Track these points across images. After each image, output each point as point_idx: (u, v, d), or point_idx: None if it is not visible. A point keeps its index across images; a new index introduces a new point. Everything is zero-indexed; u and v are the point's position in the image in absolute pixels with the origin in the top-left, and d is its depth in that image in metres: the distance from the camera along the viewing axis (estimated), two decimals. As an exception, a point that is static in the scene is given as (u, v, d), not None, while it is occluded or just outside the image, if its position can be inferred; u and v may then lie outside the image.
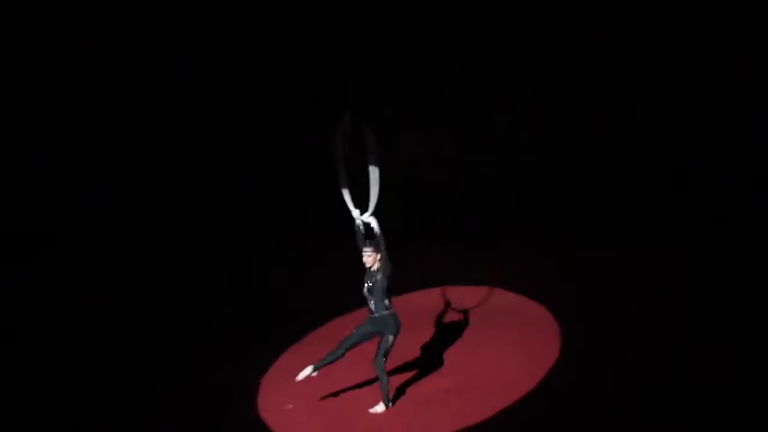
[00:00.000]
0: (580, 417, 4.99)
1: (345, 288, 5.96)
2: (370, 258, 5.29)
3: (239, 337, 7.05)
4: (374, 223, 5.26)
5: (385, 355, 5.27)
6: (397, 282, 5.50)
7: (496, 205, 9.37)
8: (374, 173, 5.34)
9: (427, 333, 6.62)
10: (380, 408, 5.33)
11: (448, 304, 7.23)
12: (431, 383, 5.74)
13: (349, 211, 5.39)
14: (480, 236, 8.90)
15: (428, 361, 6.09)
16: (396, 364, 5.81)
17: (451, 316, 7.02)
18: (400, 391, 5.61)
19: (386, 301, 5.29)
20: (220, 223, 9.58)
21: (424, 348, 6.33)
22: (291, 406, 5.61)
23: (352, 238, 5.39)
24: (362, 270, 5.36)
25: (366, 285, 5.30)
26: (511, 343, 6.25)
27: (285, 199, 9.73)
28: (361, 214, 5.31)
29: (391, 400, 5.40)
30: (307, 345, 6.77)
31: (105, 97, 9.30)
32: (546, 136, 9.45)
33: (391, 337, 5.27)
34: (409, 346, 6.14)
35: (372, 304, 5.30)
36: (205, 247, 9.22)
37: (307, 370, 5.26)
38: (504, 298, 7.30)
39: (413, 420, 5.23)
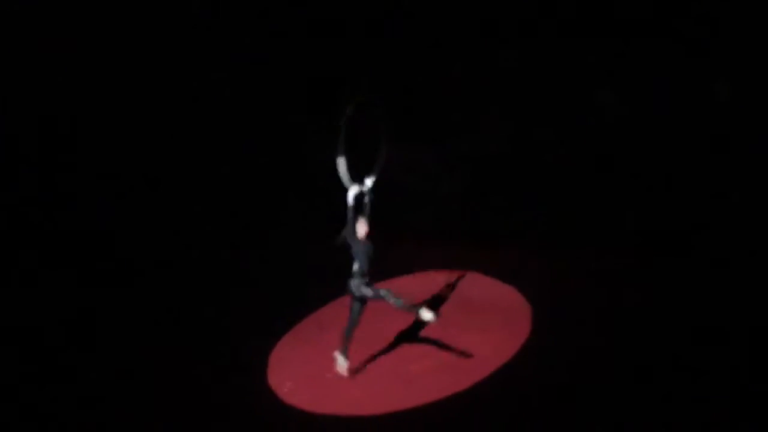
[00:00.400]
0: (542, 394, 5.68)
1: (335, 275, 6.31)
2: (366, 228, 5.87)
3: (247, 320, 7.49)
4: (366, 190, 5.89)
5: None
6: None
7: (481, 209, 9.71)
8: (384, 143, 6.03)
9: (408, 317, 7.03)
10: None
11: (427, 289, 7.68)
12: (413, 364, 6.34)
13: (343, 184, 5.87)
14: (464, 236, 9.28)
15: (409, 343, 6.65)
16: (380, 346, 6.51)
17: (430, 300, 7.42)
18: (385, 371, 6.25)
19: (359, 267, 5.87)
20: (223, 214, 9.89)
21: (406, 331, 6.82)
22: (289, 384, 6.19)
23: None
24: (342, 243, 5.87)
25: (366, 253, 5.83)
26: (485, 326, 6.85)
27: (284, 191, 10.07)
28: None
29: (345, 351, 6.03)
30: (306, 327, 7.35)
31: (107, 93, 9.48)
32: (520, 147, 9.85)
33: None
34: (390, 330, 6.74)
35: (366, 269, 5.86)
36: (210, 239, 9.49)
37: (341, 362, 6.00)
38: (479, 283, 7.88)
39: (396, 394, 5.92)
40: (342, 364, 6.07)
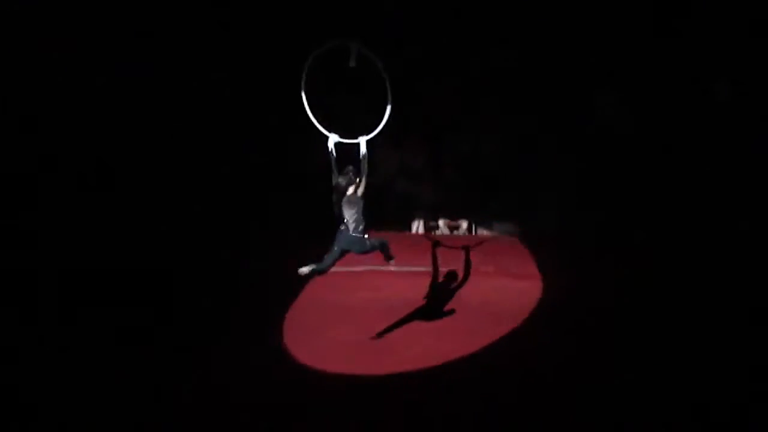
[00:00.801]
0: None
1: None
2: (352, 182, 5.78)
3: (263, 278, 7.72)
4: (364, 147, 5.76)
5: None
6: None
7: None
8: (388, 97, 5.90)
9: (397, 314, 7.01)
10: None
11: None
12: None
13: (323, 136, 5.75)
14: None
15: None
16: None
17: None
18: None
19: (363, 225, 5.84)
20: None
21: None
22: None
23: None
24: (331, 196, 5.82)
25: (349, 210, 5.77)
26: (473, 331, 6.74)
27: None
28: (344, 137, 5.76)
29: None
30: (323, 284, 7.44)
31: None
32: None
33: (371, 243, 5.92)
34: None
35: (352, 226, 5.81)
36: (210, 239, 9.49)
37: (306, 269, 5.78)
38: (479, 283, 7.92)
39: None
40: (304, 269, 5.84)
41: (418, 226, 9.85)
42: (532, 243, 9.21)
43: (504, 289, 7.72)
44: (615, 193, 9.23)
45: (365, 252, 5.94)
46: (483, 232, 9.53)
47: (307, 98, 5.88)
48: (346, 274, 7.63)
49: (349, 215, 5.81)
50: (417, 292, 7.37)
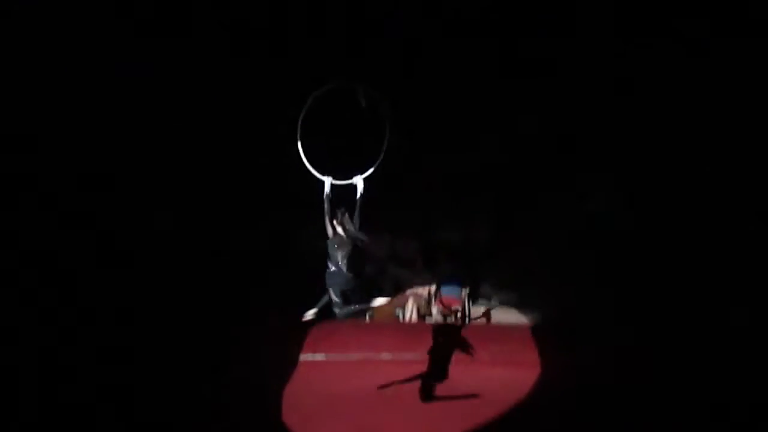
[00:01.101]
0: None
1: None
2: (345, 224, 5.70)
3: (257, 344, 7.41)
4: (361, 186, 5.74)
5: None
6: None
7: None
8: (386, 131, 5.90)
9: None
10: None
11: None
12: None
13: (316, 179, 5.73)
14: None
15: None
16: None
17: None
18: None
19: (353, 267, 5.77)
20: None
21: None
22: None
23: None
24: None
25: (341, 251, 5.66)
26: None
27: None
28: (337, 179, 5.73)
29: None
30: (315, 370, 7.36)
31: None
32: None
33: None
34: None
35: (345, 265, 5.68)
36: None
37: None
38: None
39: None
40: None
41: (411, 311, 9.75)
42: (534, 330, 9.13)
43: (497, 378, 7.51)
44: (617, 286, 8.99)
45: (356, 291, 5.79)
46: (478, 313, 9.35)
47: (302, 142, 5.86)
48: (339, 363, 7.54)
49: (341, 256, 5.70)
50: (410, 380, 7.21)
